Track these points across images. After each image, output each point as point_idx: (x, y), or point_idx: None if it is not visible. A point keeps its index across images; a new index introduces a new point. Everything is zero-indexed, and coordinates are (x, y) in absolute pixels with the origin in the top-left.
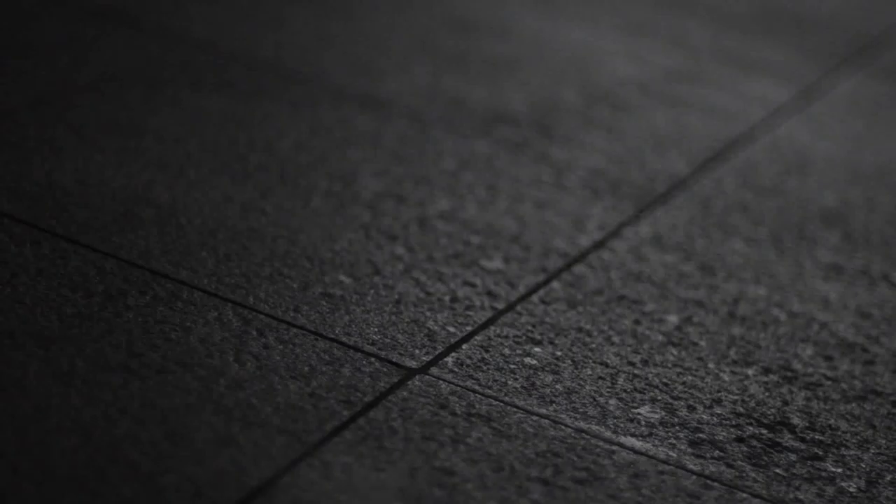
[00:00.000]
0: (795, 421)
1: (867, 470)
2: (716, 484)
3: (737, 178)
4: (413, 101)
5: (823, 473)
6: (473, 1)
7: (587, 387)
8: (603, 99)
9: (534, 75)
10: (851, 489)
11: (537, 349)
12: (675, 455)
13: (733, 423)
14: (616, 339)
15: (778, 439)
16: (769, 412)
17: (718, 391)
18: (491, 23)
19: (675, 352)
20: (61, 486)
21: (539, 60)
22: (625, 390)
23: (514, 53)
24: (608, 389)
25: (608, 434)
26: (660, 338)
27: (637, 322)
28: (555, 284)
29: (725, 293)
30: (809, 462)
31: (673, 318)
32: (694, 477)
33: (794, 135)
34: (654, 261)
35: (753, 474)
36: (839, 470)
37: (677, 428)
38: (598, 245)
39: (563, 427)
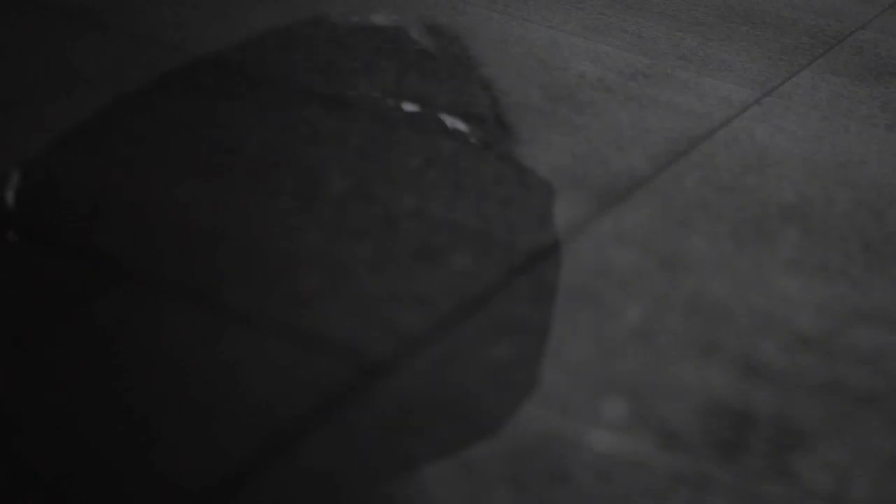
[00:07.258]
0: (762, 417)
1: (835, 465)
2: (683, 481)
3: (698, 176)
4: (379, 100)
5: (792, 469)
6: (437, 1)
7: (553, 382)
8: (565, 98)
9: (498, 74)
10: (820, 485)
11: (505, 345)
12: (642, 452)
13: (700, 418)
14: (579, 335)
15: (745, 435)
16: (736, 408)
17: (684, 387)
18: (454, 22)
19: (639, 347)
20: (44, 490)
21: (503, 60)
22: (590, 386)
23: (478, 53)
24: (573, 385)
25: (572, 431)
26: (623, 334)
27: (599, 318)
28: (520, 281)
29: (687, 289)
30: (777, 458)
31: (635, 314)
32: (661, 475)
33: (753, 131)
34: (616, 258)
35: (721, 471)
36: (806, 466)
37: (643, 424)
38: (562, 242)
39: (530, 424)
